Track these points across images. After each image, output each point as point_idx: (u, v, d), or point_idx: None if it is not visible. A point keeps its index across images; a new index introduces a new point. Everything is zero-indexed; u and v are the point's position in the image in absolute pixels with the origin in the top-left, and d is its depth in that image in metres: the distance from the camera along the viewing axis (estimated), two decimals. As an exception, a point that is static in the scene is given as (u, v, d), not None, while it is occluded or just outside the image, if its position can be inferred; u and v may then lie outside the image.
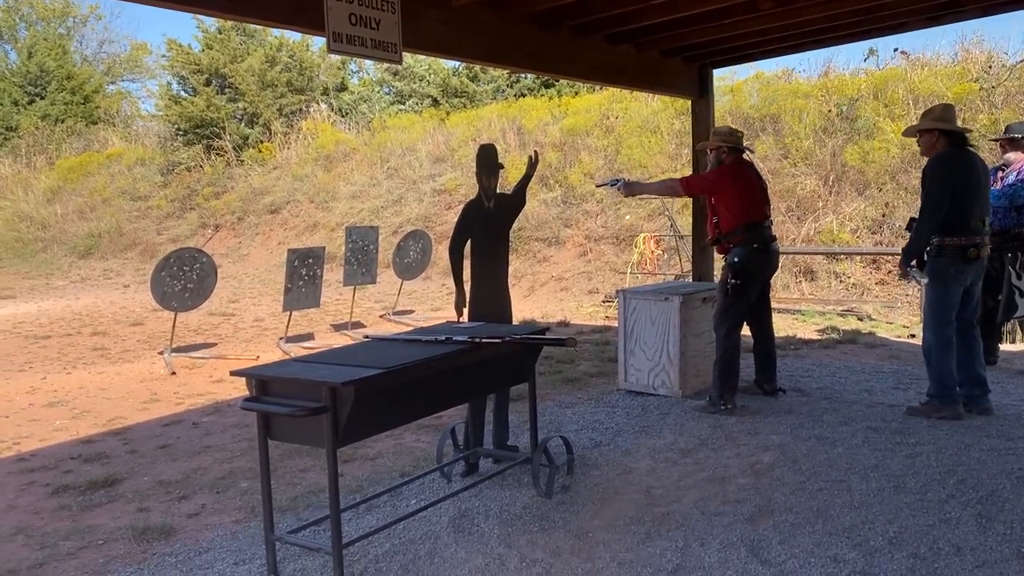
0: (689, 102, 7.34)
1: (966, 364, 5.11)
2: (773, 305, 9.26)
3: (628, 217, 12.39)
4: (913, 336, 7.63)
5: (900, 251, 5.05)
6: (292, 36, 20.94)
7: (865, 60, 13.16)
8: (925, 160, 5.02)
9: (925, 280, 4.88)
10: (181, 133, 20.08)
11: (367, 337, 3.95)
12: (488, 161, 4.37)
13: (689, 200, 7.79)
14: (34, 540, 3.68)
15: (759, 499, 3.77)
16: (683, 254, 10.49)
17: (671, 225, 10.86)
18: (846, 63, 20.98)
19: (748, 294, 5.27)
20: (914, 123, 5.23)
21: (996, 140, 6.36)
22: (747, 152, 5.52)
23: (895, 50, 15.36)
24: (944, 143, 4.89)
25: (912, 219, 5.45)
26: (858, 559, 3.13)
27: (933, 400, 4.97)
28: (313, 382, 2.96)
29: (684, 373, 5.66)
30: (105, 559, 3.44)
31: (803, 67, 25.00)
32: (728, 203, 5.26)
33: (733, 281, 5.14)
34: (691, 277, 7.78)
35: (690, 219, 7.55)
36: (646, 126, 13.73)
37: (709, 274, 7.21)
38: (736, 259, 5.18)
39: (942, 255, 4.84)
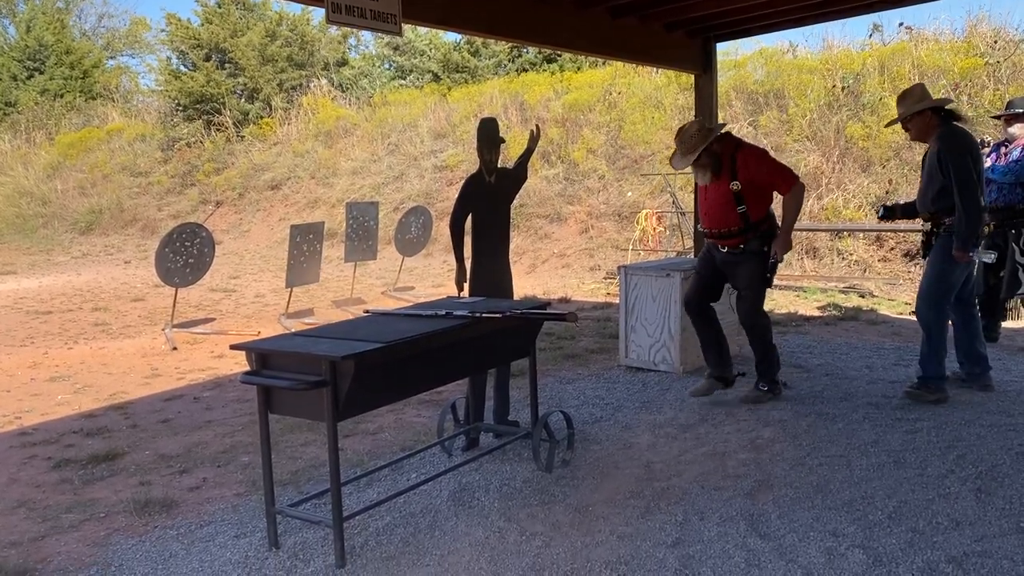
0: (692, 77, 7.27)
1: (966, 342, 5.09)
2: (775, 281, 9.32)
3: (630, 194, 12.35)
4: (915, 313, 7.60)
5: (958, 238, 4.61)
6: (292, 9, 20.79)
7: (870, 36, 13.03)
8: (907, 140, 4.87)
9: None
10: (181, 108, 19.97)
11: (367, 312, 3.94)
12: (489, 135, 4.33)
13: (691, 177, 7.74)
14: (36, 513, 3.69)
15: (759, 474, 3.78)
16: (685, 231, 10.46)
17: (673, 202, 10.81)
18: (850, 38, 20.77)
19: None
20: (928, 102, 4.85)
21: (998, 117, 6.28)
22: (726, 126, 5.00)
23: (900, 24, 15.21)
24: (937, 121, 4.73)
25: (884, 207, 5.27)
26: (857, 533, 3.14)
27: (928, 382, 4.86)
28: (313, 356, 2.95)
29: (685, 349, 5.66)
30: (106, 532, 3.45)
31: (807, 42, 24.80)
32: (766, 188, 4.74)
33: (771, 275, 4.78)
34: (692, 254, 7.76)
35: (691, 196, 7.50)
36: (649, 101, 13.63)
37: (711, 250, 7.17)
38: (773, 250, 4.71)
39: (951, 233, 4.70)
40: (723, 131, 4.72)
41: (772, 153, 5.69)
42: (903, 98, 4.85)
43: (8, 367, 6.87)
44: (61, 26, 27.06)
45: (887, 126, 5.28)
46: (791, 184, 4.64)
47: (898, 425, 4.39)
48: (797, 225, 9.65)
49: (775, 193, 4.76)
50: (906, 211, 5.22)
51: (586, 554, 3.05)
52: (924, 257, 5.06)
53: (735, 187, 4.59)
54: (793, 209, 4.67)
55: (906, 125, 4.83)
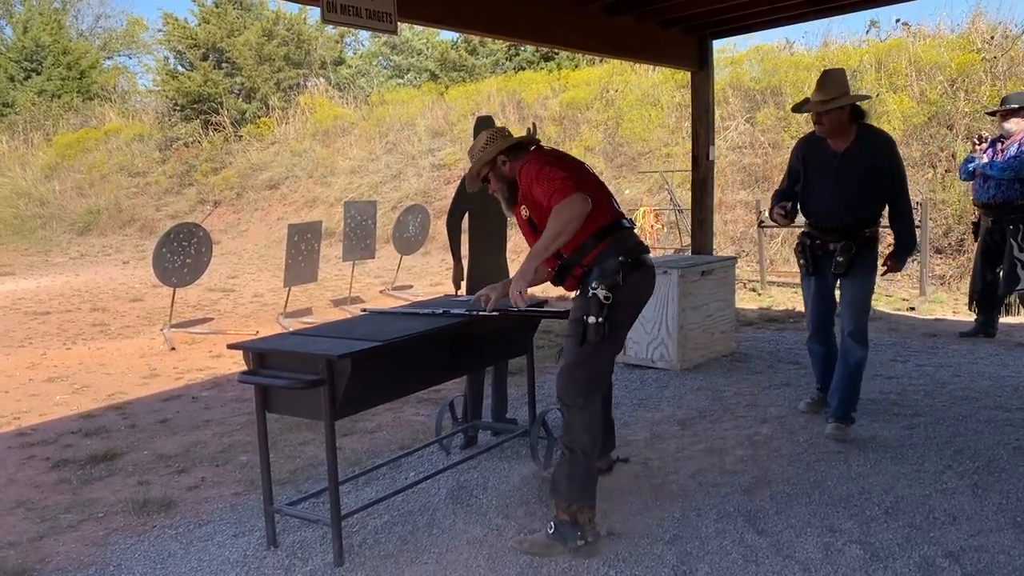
0: (689, 74, 7.27)
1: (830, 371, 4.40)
2: (773, 279, 9.32)
3: (628, 191, 12.34)
4: (912, 309, 7.63)
5: (907, 249, 4.20)
6: (289, 8, 20.77)
7: (867, 32, 13.03)
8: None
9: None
10: (179, 108, 19.96)
11: (365, 311, 3.94)
12: (485, 133, 4.32)
13: (688, 174, 7.74)
14: (34, 513, 3.70)
15: (756, 470, 3.78)
16: (682, 228, 10.46)
17: (671, 199, 10.82)
18: (848, 35, 20.78)
19: (618, 337, 3.18)
20: (856, 94, 4.15)
21: (994, 113, 6.26)
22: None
23: (896, 20, 15.21)
24: (850, 118, 4.05)
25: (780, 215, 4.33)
26: (854, 528, 3.15)
27: (850, 415, 4.21)
28: (310, 355, 2.95)
29: (683, 346, 5.67)
30: (105, 532, 3.46)
31: (804, 39, 24.82)
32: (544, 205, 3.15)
33: (597, 320, 3.01)
34: (690, 250, 7.77)
35: (689, 193, 7.51)
36: (646, 99, 13.63)
37: (708, 247, 7.19)
38: (599, 286, 3.03)
39: (875, 245, 4.15)
40: (519, 143, 3.32)
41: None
42: (826, 84, 4.01)
43: (6, 368, 6.87)
44: (58, 27, 27.02)
45: (795, 111, 4.44)
46: (557, 199, 2.99)
47: (895, 421, 4.40)
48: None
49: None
50: (786, 218, 4.33)
51: (584, 551, 3.05)
52: (812, 275, 4.29)
53: (525, 213, 3.26)
54: (548, 229, 3.00)
55: (821, 117, 4.03)
